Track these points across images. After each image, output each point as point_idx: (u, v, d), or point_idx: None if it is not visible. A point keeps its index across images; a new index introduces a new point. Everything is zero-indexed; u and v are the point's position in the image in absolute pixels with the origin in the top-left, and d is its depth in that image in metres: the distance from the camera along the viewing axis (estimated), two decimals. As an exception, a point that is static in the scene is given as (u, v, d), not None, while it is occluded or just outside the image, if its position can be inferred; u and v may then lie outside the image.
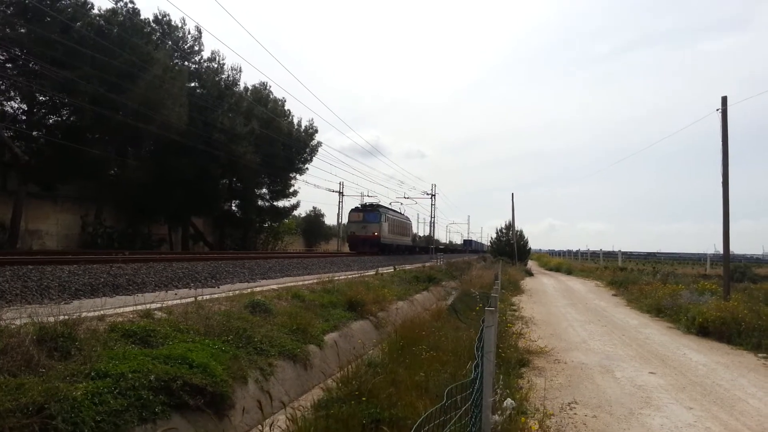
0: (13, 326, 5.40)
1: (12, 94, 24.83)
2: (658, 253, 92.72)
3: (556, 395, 8.19)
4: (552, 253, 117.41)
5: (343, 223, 54.56)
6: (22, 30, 23.44)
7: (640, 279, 30.34)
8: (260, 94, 39.39)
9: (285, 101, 41.43)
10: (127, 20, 27.74)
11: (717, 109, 18.83)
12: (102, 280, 11.15)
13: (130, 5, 28.46)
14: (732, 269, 22.84)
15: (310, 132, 42.92)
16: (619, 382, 9.13)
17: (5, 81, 23.93)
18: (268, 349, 8.11)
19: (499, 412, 6.09)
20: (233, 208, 41.56)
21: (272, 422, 6.05)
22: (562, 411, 7.35)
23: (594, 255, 69.81)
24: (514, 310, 18.33)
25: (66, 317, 5.94)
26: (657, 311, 18.71)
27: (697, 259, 69.19)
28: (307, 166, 42.97)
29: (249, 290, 11.96)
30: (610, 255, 66.35)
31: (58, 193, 27.43)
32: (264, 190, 42.17)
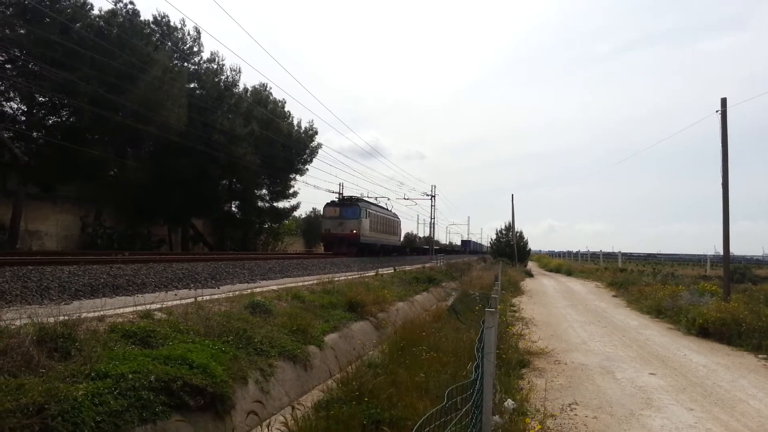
0: (13, 327, 5.40)
1: (12, 94, 24.81)
2: (658, 254, 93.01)
3: (557, 396, 8.18)
4: (552, 254, 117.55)
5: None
6: (22, 31, 23.43)
7: (640, 280, 30.37)
8: (260, 95, 39.38)
9: (285, 102, 41.42)
10: (126, 21, 27.73)
11: (717, 111, 18.82)
12: (102, 280, 11.14)
13: (129, 6, 28.47)
14: (732, 270, 22.84)
15: (310, 133, 42.90)
16: (619, 383, 9.13)
17: (5, 82, 23.92)
18: (268, 349, 8.10)
19: (499, 413, 6.09)
20: (233, 209, 41.54)
21: (272, 422, 6.05)
22: (562, 412, 7.34)
23: (594, 256, 69.90)
24: (514, 311, 18.33)
25: (66, 318, 5.93)
26: (657, 312, 18.71)
27: (697, 260, 69.32)
28: (307, 167, 42.92)
29: (249, 291, 11.96)
30: (610, 256, 66.45)
31: (58, 193, 27.41)
32: (264, 191, 42.12)
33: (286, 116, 41.25)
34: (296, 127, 41.92)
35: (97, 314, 7.19)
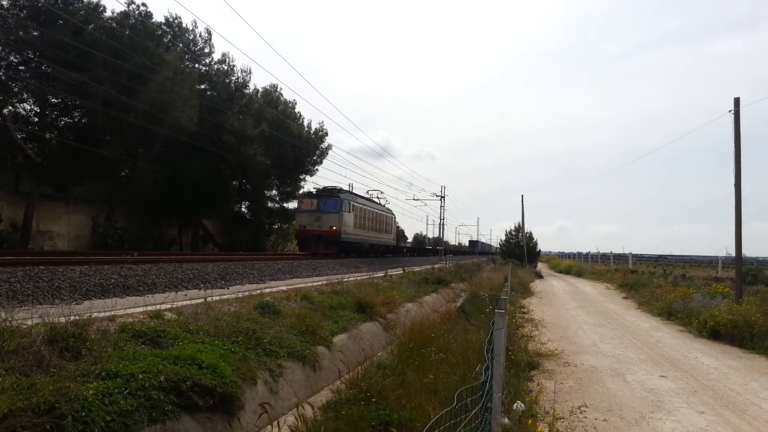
0: (24, 326, 5.44)
1: (25, 96, 25.10)
2: (669, 255, 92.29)
3: (566, 398, 8.14)
4: (562, 255, 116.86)
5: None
6: (35, 33, 23.68)
7: (651, 282, 30.14)
8: (271, 96, 39.50)
9: (295, 103, 41.50)
10: (138, 23, 27.94)
11: (729, 111, 18.64)
12: (113, 280, 11.22)
13: (142, 8, 28.69)
14: (744, 272, 22.63)
15: (320, 134, 42.94)
16: (629, 386, 9.07)
17: (18, 83, 24.17)
18: (277, 350, 8.11)
19: (508, 416, 6.07)
20: (243, 209, 41.67)
21: (282, 423, 6.07)
22: (572, 414, 7.31)
23: (604, 257, 69.48)
24: (524, 313, 18.27)
25: (77, 318, 5.97)
26: (668, 314, 18.58)
27: (709, 262, 68.73)
28: (316, 168, 42.98)
29: (258, 291, 12.00)
30: (620, 257, 66.00)
31: (70, 194, 27.64)
32: (274, 192, 42.25)
33: (297, 117, 41.34)
34: (306, 128, 41.99)
35: (107, 314, 7.24)
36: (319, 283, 15.49)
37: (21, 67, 24.29)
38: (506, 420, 5.77)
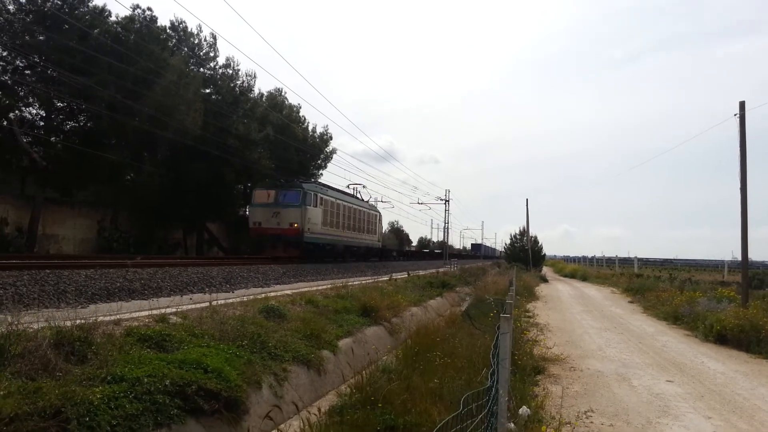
0: (30, 330, 5.44)
1: (31, 100, 25.23)
2: (675, 259, 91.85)
3: (572, 403, 8.10)
4: (567, 259, 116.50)
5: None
6: (41, 37, 23.83)
7: (656, 286, 30.01)
8: (275, 100, 39.57)
9: (300, 107, 41.55)
10: (143, 27, 28.09)
11: (735, 114, 18.58)
12: (118, 284, 11.24)
13: (147, 13, 28.83)
14: (750, 276, 22.50)
15: (325, 138, 43.02)
16: (636, 391, 9.02)
17: (24, 87, 24.29)
18: (282, 354, 8.11)
19: (514, 421, 6.04)
20: (248, 213, 41.68)
21: (287, 427, 6.06)
22: (578, 419, 7.26)
23: (610, 261, 69.20)
24: (529, 317, 18.22)
25: (82, 321, 5.98)
26: (674, 318, 18.49)
27: (715, 266, 68.47)
28: (321, 171, 43.03)
29: (263, 295, 11.99)
30: (626, 261, 65.80)
31: (75, 198, 27.75)
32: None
33: (301, 121, 41.39)
34: (311, 132, 42.06)
35: (113, 318, 7.25)
36: (324, 286, 15.49)
37: (27, 72, 24.43)
38: (512, 425, 5.75)
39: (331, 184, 33.88)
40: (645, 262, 70.76)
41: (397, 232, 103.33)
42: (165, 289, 11.98)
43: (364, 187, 40.49)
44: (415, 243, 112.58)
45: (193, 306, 9.39)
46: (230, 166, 31.82)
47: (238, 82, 35.65)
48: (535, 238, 67.20)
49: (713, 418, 7.52)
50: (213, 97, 33.49)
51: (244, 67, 36.16)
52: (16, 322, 5.38)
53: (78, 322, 5.90)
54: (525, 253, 61.42)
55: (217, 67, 34.77)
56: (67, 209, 27.05)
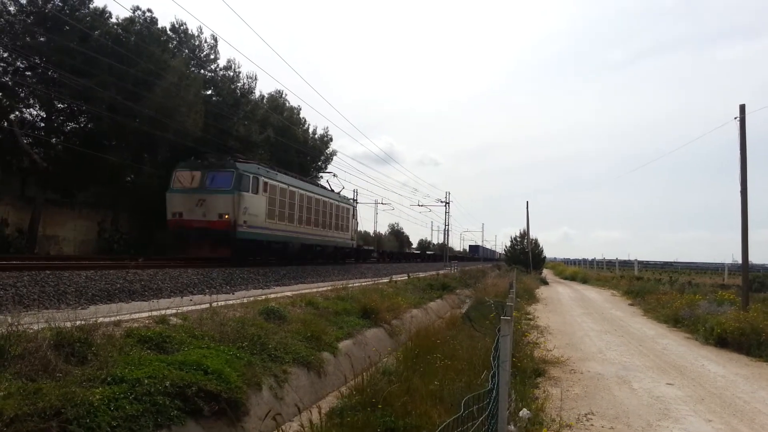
0: (30, 331, 5.44)
1: (31, 101, 25.23)
2: (675, 262, 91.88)
3: (573, 406, 8.09)
4: (567, 262, 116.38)
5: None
6: (42, 39, 23.83)
7: (657, 288, 30.02)
8: (276, 102, 39.61)
9: (300, 109, 41.60)
10: (144, 29, 28.10)
11: (735, 118, 18.59)
12: (118, 285, 11.24)
13: (147, 14, 28.85)
14: (751, 279, 22.49)
15: (325, 140, 43.07)
16: (636, 393, 9.01)
17: (25, 89, 24.31)
18: (283, 356, 8.10)
19: (514, 423, 6.03)
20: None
21: (287, 429, 6.05)
22: (578, 422, 7.25)
23: (610, 264, 69.21)
24: (530, 319, 18.21)
25: (82, 322, 5.97)
26: (674, 321, 18.49)
27: (715, 269, 68.45)
28: (321, 174, 43.06)
29: (263, 297, 11.99)
30: (626, 264, 65.81)
31: (76, 199, 27.75)
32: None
33: (302, 123, 41.44)
34: (311, 134, 42.10)
35: (113, 319, 7.23)
36: (324, 288, 15.48)
37: (27, 73, 24.45)
38: (512, 427, 5.74)
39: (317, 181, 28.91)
40: (645, 265, 70.72)
41: (397, 234, 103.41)
42: (165, 291, 11.97)
43: (334, 176, 36.57)
44: (415, 245, 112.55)
45: (194, 307, 9.39)
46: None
47: (239, 84, 35.66)
48: (536, 240, 67.32)
49: (714, 422, 7.52)
50: (214, 98, 33.48)
51: (245, 69, 36.04)
52: (16, 323, 5.38)
53: (78, 323, 5.89)
54: (525, 255, 61.44)
55: (217, 69, 34.77)
56: (68, 210, 27.04)
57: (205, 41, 33.47)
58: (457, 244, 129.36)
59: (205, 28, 38.55)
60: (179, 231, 20.87)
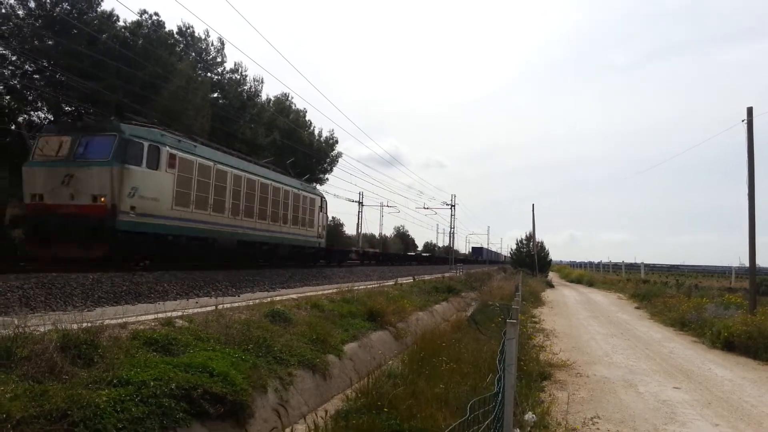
0: (37, 333, 5.46)
1: (39, 104, 25.44)
2: (681, 265, 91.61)
3: (579, 409, 8.06)
4: (573, 265, 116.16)
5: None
6: (50, 42, 24.01)
7: (663, 292, 29.89)
8: (282, 105, 39.77)
9: (306, 111, 41.76)
10: (151, 32, 28.28)
11: (742, 120, 18.50)
12: (124, 287, 11.28)
13: (155, 18, 29.02)
14: (758, 282, 22.35)
15: (331, 142, 43.19)
16: (642, 397, 8.97)
17: (33, 92, 24.49)
18: (288, 358, 8.10)
19: (520, 427, 6.02)
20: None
21: (292, 431, 6.05)
22: (584, 426, 7.23)
23: (616, 267, 68.99)
24: (535, 322, 18.16)
25: (89, 324, 5.99)
26: (681, 325, 18.39)
27: (722, 272, 68.13)
28: (327, 176, 43.18)
29: (269, 299, 11.99)
30: (632, 267, 65.61)
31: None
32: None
33: (308, 125, 41.55)
34: (317, 137, 42.18)
35: (119, 321, 7.26)
36: (330, 291, 15.47)
37: (36, 76, 24.64)
38: (518, 431, 5.73)
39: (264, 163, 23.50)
40: (651, 268, 70.46)
41: (403, 237, 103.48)
42: (171, 293, 12.00)
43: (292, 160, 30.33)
44: (420, 248, 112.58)
45: (199, 310, 9.40)
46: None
47: (246, 87, 35.82)
48: (542, 243, 67.16)
49: (720, 426, 7.47)
50: (220, 101, 33.64)
51: (251, 72, 36.35)
52: (23, 325, 5.40)
53: (84, 325, 5.91)
54: (531, 258, 61.29)
55: (224, 72, 34.96)
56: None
57: (212, 44, 33.71)
58: (463, 246, 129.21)
59: (212, 31, 38.69)
60: (38, 221, 15.05)
